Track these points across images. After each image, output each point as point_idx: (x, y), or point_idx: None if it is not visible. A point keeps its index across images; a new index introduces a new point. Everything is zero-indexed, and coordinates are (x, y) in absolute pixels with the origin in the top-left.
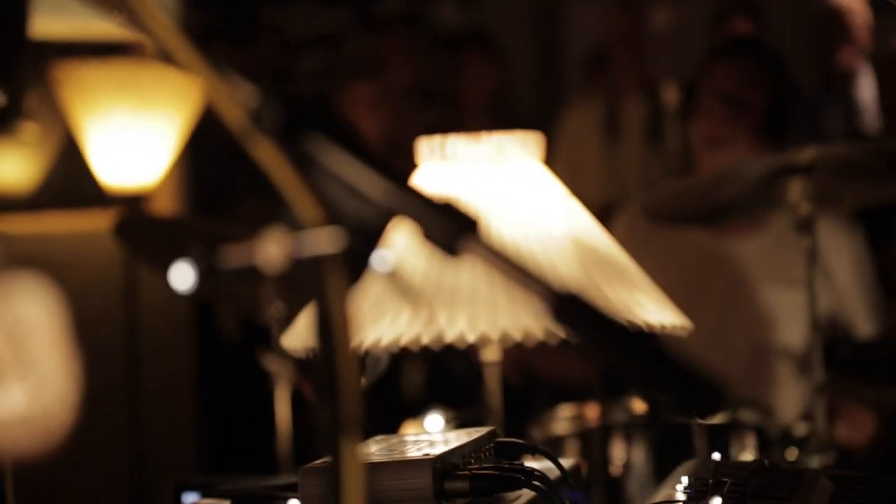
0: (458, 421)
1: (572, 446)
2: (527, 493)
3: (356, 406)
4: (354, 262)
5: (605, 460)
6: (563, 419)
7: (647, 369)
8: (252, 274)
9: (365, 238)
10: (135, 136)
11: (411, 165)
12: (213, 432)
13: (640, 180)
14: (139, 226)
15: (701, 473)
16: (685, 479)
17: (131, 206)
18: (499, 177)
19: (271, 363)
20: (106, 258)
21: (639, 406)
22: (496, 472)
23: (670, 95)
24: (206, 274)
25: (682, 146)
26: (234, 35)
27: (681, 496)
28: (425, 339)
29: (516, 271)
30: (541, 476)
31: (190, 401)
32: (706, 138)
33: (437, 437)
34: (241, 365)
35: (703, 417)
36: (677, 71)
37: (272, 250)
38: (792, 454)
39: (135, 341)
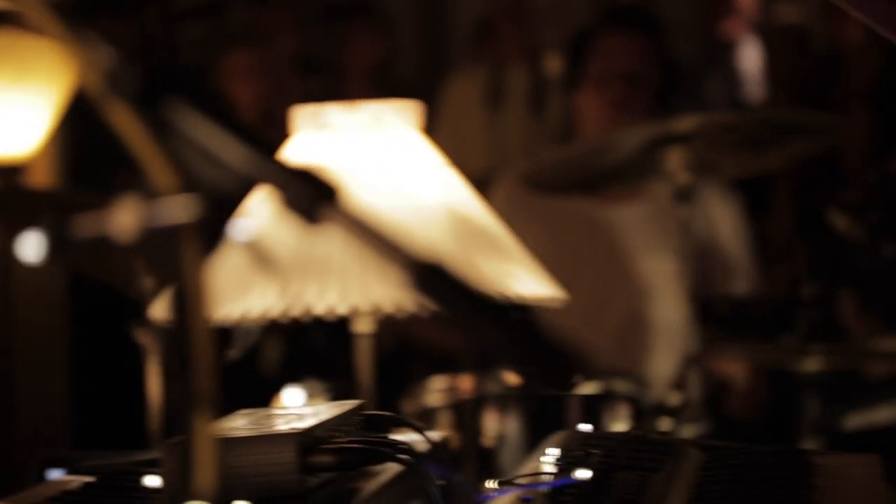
0: (332, 394)
1: (445, 418)
2: (394, 467)
3: (210, 379)
4: (211, 230)
5: (477, 432)
6: (436, 391)
7: (508, 340)
8: (106, 244)
9: (222, 206)
10: (9, 107)
11: (288, 135)
12: (87, 408)
13: (523, 149)
14: (12, 199)
15: (570, 445)
16: (553, 451)
17: (6, 177)
18: (375, 146)
19: (142, 336)
20: None
21: (512, 378)
22: (362, 446)
23: (553, 65)
24: (57, 244)
25: (564, 115)
26: (116, 4)
27: (548, 468)
28: (294, 312)
29: (376, 240)
30: (407, 449)
31: (64, 376)
32: (603, 116)
33: (306, 411)
34: (114, 339)
35: (563, 389)
36: (561, 40)
37: (126, 219)
38: (666, 424)
39: (7, 315)
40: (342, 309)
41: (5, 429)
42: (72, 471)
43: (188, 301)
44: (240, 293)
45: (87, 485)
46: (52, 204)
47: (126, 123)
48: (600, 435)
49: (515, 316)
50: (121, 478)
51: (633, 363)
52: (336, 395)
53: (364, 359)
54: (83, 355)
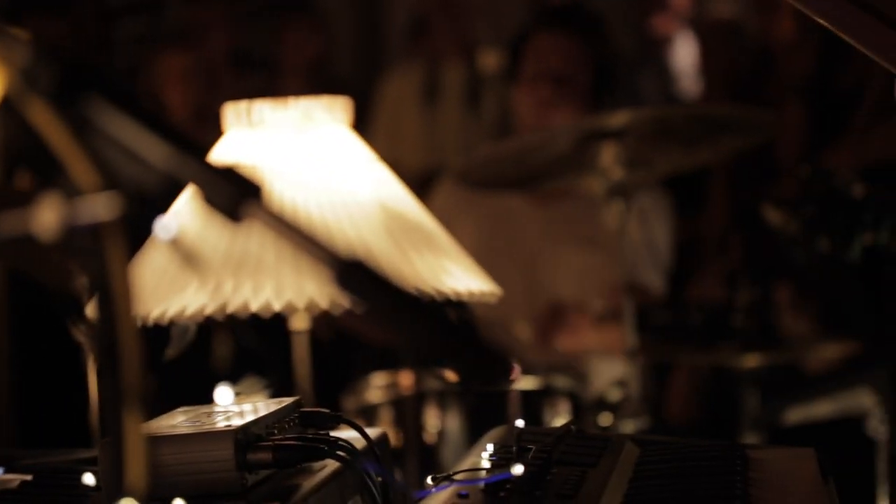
0: (272, 390)
1: (386, 414)
2: (332, 464)
3: (138, 377)
4: (134, 228)
5: (418, 428)
6: (377, 387)
7: (432, 337)
8: (29, 242)
9: (146, 204)
10: None
11: (221, 133)
12: (29, 406)
13: (459, 146)
14: None
15: (507, 441)
16: (490, 447)
17: None
18: (305, 143)
19: (79, 334)
20: None
21: (451, 374)
22: (299, 443)
23: (489, 60)
24: None
25: (500, 111)
26: (49, 2)
27: (485, 463)
28: (229, 310)
29: (299, 237)
30: (344, 446)
31: (5, 375)
32: (532, 114)
33: (245, 408)
34: (55, 336)
35: (492, 386)
36: (496, 36)
37: (48, 216)
38: (606, 419)
39: None
40: (277, 305)
41: None
42: (10, 469)
43: (113, 298)
44: (174, 291)
45: (25, 483)
46: None
47: (44, 120)
48: (535, 430)
49: (442, 312)
50: (59, 476)
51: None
52: (275, 393)
53: (301, 355)
54: (24, 352)
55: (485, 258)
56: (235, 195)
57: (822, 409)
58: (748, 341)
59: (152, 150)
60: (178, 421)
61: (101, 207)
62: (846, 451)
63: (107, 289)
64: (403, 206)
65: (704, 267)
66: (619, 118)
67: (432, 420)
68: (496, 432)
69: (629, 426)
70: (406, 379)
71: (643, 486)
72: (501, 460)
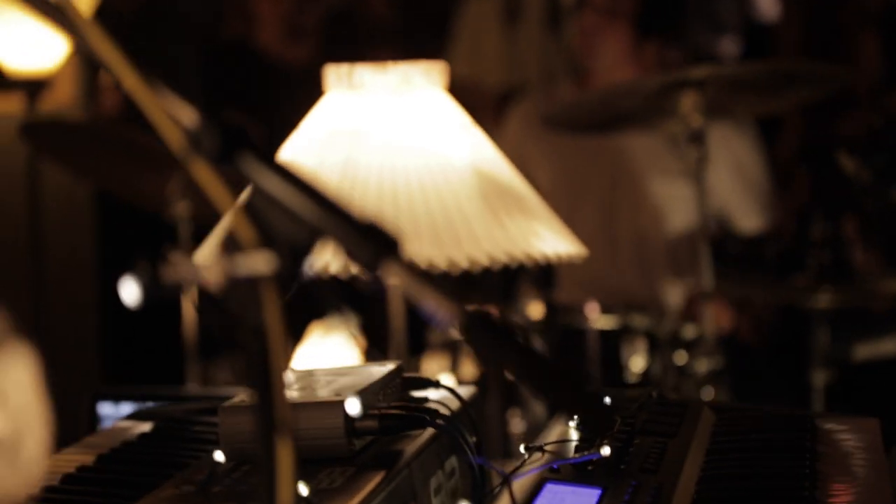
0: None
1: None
2: (430, 430)
3: (287, 412)
4: (285, 281)
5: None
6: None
7: (545, 389)
8: (194, 288)
9: (295, 258)
10: (33, 22)
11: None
12: (118, 332)
13: (540, 68)
14: (43, 127)
15: None
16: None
17: (32, 90)
18: (403, 106)
19: (179, 269)
20: (8, 147)
21: (535, 310)
22: (403, 412)
23: None
24: (151, 288)
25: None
26: None
27: (573, 433)
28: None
29: (431, 289)
30: (445, 416)
31: (92, 298)
32: (581, 44)
33: (349, 375)
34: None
35: (594, 434)
36: None
37: (212, 268)
38: (681, 357)
39: (37, 237)
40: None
41: (37, 346)
42: (123, 402)
43: (268, 345)
44: None
45: (145, 435)
46: (81, 134)
47: (208, 180)
48: (621, 394)
49: (560, 371)
50: (180, 428)
51: (645, 286)
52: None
53: (397, 317)
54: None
55: (561, 187)
56: (375, 251)
57: (889, 346)
58: (821, 277)
59: (300, 205)
60: (290, 384)
61: (259, 263)
62: None
63: (262, 337)
64: (497, 169)
65: (782, 192)
66: (699, 72)
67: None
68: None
69: (703, 365)
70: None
71: (720, 459)
72: (588, 433)
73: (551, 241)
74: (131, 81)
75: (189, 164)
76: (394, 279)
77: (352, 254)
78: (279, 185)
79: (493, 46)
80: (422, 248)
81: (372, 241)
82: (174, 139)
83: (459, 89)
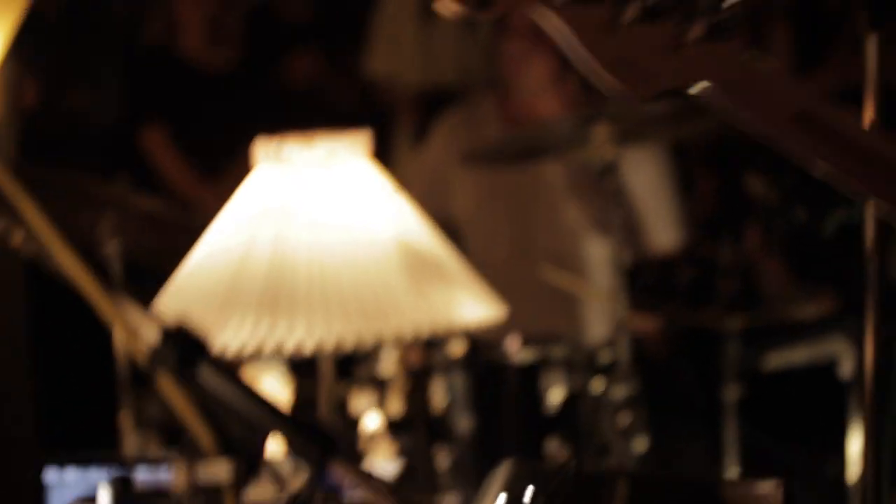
0: None
1: (397, 387)
2: None
3: None
4: (242, 482)
5: (426, 401)
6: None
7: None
8: (161, 496)
9: (251, 461)
10: None
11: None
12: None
13: (456, 66)
14: None
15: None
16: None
17: None
18: (330, 181)
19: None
20: None
21: (457, 348)
22: None
23: None
24: (122, 496)
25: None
26: None
27: None
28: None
29: (374, 486)
30: None
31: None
32: (506, 73)
33: None
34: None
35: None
36: None
37: (179, 479)
38: (599, 385)
39: None
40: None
41: None
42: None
43: None
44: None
45: None
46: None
47: (171, 390)
48: (541, 469)
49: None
50: None
51: (565, 311)
52: None
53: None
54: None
55: (484, 211)
56: (317, 449)
57: (800, 354)
58: (731, 306)
59: (250, 409)
60: None
61: (219, 470)
62: (820, 394)
63: None
64: (419, 238)
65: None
66: (612, 106)
67: (439, 393)
68: (506, 469)
69: (619, 391)
70: (414, 354)
71: None
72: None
73: (472, 307)
74: (94, 294)
75: (155, 375)
76: (336, 473)
77: (297, 451)
78: (231, 391)
79: (409, 44)
80: (350, 325)
81: (314, 440)
82: (138, 350)
83: (377, 88)
